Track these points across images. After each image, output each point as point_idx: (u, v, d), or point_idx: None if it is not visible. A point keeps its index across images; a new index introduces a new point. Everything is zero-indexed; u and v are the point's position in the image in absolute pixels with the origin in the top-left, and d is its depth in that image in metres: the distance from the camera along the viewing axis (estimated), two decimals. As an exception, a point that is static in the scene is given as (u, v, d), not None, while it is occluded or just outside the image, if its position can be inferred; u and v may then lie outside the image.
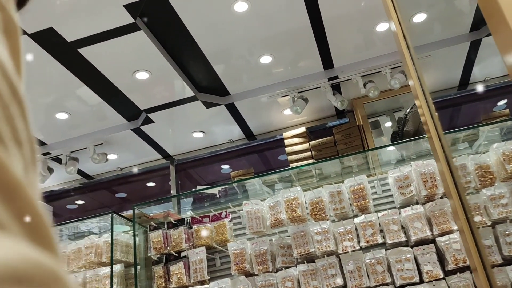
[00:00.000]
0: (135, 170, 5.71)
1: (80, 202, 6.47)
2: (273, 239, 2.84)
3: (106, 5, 3.50)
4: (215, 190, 4.36)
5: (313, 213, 2.71)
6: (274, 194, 3.73)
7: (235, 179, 4.78)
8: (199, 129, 5.22)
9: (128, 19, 3.61)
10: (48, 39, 3.66)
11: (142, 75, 4.20)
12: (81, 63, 3.95)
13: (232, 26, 3.89)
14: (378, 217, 2.73)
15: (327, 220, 2.72)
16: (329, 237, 2.63)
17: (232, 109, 4.91)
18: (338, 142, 4.78)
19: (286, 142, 4.98)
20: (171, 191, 5.42)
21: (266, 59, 4.35)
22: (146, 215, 3.98)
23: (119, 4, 3.47)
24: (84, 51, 3.83)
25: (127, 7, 3.51)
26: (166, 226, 3.09)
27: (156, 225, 3.18)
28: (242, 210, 2.86)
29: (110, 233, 3.16)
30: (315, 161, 4.67)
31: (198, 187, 5.22)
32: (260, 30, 3.96)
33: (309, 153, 4.82)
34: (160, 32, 3.86)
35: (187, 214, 4.59)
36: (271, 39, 4.09)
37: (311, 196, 2.78)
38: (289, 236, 2.72)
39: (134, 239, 3.05)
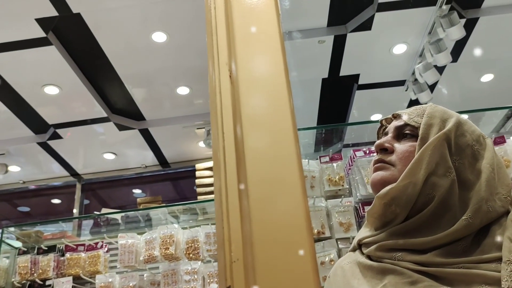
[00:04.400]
0: (40, 184, 5.48)
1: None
2: (145, 274, 2.81)
3: (17, 17, 3.42)
4: (118, 215, 4.26)
5: (187, 252, 2.71)
6: (178, 225, 3.70)
7: (141, 206, 4.70)
8: (110, 151, 5.12)
9: (40, 33, 3.55)
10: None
11: (51, 90, 4.10)
12: (-15, 69, 3.81)
13: (150, 54, 3.91)
14: (248, 263, 2.76)
15: (200, 260, 2.73)
16: (198, 278, 2.64)
17: (146, 135, 4.88)
18: (248, 180, 4.84)
19: (197, 174, 4.97)
20: (74, 210, 5.23)
21: (183, 90, 4.39)
22: (40, 234, 3.80)
23: (30, 17, 3.41)
24: (-11, 58, 3.70)
25: (39, 21, 3.46)
26: (36, 251, 2.98)
27: (25, 249, 3.06)
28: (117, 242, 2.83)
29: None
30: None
31: (104, 210, 5.07)
32: (178, 62, 4.01)
33: (218, 188, 4.84)
34: (74, 50, 3.81)
35: (87, 237, 4.43)
36: (189, 72, 4.14)
37: (188, 234, 2.79)
38: (160, 273, 2.72)
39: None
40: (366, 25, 3.76)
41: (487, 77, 4.44)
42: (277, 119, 0.67)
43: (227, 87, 0.72)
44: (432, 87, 4.32)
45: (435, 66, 3.92)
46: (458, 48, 4.01)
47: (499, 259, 0.72)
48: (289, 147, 0.64)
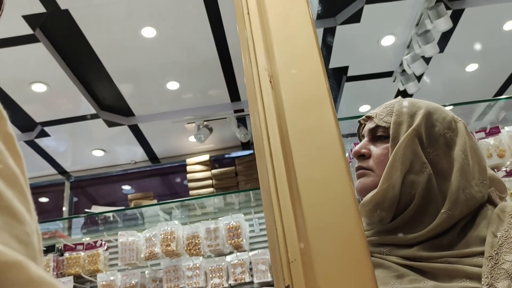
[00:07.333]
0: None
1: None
2: (146, 271, 2.82)
3: (3, 14, 3.34)
4: (109, 213, 4.24)
5: (188, 248, 2.73)
6: (171, 220, 3.71)
7: (132, 203, 4.68)
8: (99, 147, 5.07)
9: (27, 30, 3.48)
10: None
11: (39, 87, 4.03)
12: (-30, 68, 3.72)
13: (139, 50, 3.88)
14: (249, 256, 2.82)
15: (202, 256, 2.76)
16: (200, 274, 2.67)
17: (136, 131, 4.84)
18: (239, 173, 4.86)
19: (189, 168, 4.97)
20: (63, 209, 5.18)
21: (173, 85, 4.36)
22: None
23: (17, 14, 3.34)
24: (-27, 56, 3.62)
25: (26, 18, 3.39)
26: (34, 251, 2.96)
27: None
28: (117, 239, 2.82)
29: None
30: (214, 191, 4.72)
31: (94, 207, 5.03)
32: (168, 56, 3.98)
33: (209, 182, 4.85)
34: (62, 47, 3.75)
35: (78, 236, 4.40)
36: (179, 66, 4.12)
37: (188, 230, 2.81)
38: (161, 269, 2.73)
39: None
40: (355, 18, 3.80)
41: (471, 67, 4.54)
42: (322, 124, 0.69)
43: (268, 92, 0.74)
44: (419, 78, 4.40)
45: (422, 57, 3.99)
46: (444, 39, 4.09)
47: (481, 253, 0.73)
48: (335, 148, 0.66)
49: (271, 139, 0.70)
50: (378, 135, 0.88)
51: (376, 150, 0.88)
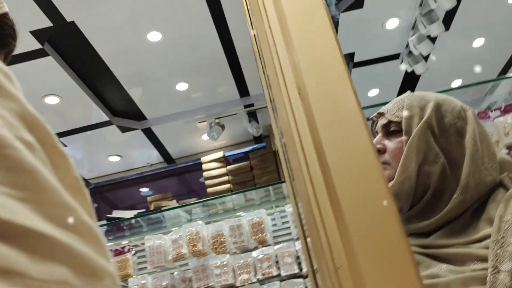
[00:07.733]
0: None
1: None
2: (175, 272, 2.89)
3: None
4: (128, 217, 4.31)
5: (214, 246, 2.79)
6: (191, 219, 3.77)
7: (152, 204, 4.74)
8: (115, 153, 5.14)
9: (36, 45, 3.53)
10: None
11: (52, 100, 4.09)
12: (-16, 87, 3.79)
13: (146, 54, 3.91)
14: (274, 250, 2.87)
15: (228, 253, 2.81)
16: (228, 271, 2.73)
17: (149, 134, 4.90)
18: (254, 167, 4.90)
19: (204, 166, 5.02)
20: (85, 216, 5.27)
21: (182, 86, 4.40)
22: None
23: (25, 30, 3.39)
24: (-14, 75, 3.68)
25: (34, 33, 3.44)
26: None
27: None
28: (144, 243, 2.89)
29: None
30: (231, 187, 4.76)
31: (115, 212, 5.11)
32: (175, 59, 4.02)
33: (226, 178, 4.90)
34: (71, 58, 3.80)
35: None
36: (186, 67, 4.15)
37: (212, 229, 2.86)
38: (190, 269, 2.80)
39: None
40: (358, 3, 3.79)
41: (478, 42, 4.52)
42: (352, 130, 0.72)
43: (298, 104, 0.77)
44: (426, 58, 4.39)
45: (428, 37, 3.98)
46: (449, 17, 4.06)
47: (489, 237, 0.76)
48: (368, 154, 0.69)
49: (305, 149, 0.73)
50: (391, 130, 0.92)
51: (390, 144, 0.91)
